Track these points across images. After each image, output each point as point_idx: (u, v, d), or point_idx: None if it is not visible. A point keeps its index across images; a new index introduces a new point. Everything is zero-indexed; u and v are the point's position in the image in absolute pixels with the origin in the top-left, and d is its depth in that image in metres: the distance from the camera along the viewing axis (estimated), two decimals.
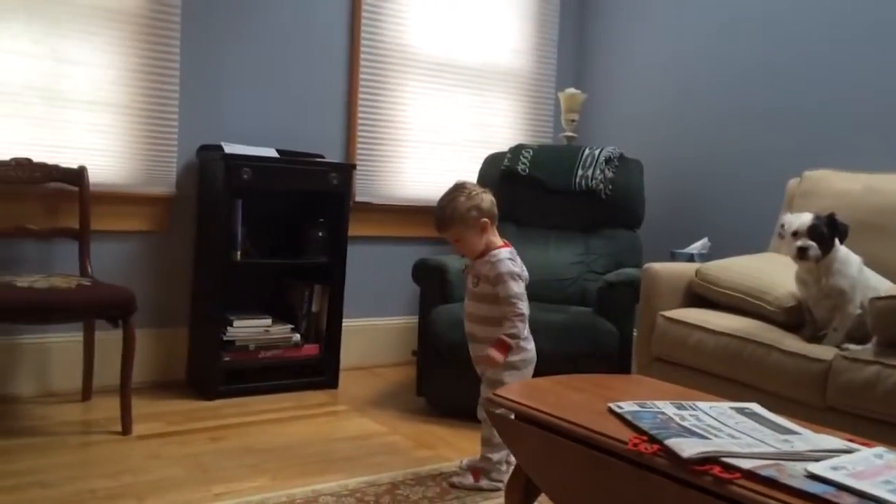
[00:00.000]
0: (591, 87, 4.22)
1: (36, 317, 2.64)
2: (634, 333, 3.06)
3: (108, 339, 2.88)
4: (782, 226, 2.47)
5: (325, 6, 3.65)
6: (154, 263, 3.34)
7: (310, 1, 3.60)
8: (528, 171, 3.63)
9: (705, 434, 1.42)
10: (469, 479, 2.40)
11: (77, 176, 3.00)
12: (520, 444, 1.75)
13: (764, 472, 1.24)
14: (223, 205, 3.16)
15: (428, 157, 4.00)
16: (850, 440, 1.46)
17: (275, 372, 3.36)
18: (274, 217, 3.49)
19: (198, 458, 2.55)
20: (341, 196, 3.44)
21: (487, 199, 2.41)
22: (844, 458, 1.33)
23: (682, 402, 1.63)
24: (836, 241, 2.36)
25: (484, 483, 2.39)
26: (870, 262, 2.46)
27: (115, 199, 3.19)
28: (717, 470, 1.27)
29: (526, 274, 2.41)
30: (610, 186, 3.54)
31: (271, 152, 3.34)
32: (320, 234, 3.44)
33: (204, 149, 3.33)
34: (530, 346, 2.41)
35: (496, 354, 2.31)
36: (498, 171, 3.64)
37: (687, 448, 1.32)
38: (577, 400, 1.72)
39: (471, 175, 3.60)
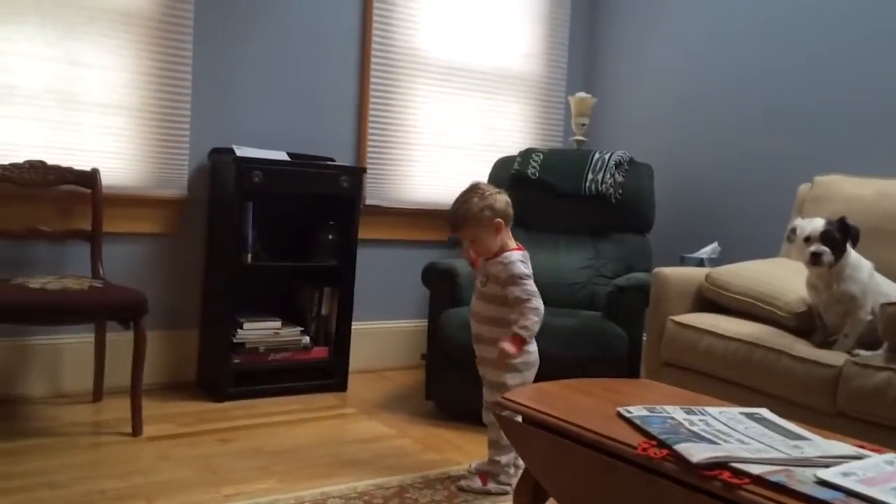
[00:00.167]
0: (601, 91, 4.22)
1: (48, 318, 2.66)
2: (644, 338, 3.06)
3: (120, 341, 2.89)
4: (793, 230, 2.46)
5: (337, 10, 3.67)
6: (165, 266, 3.36)
7: (321, 5, 3.62)
8: (538, 175, 3.63)
9: (714, 439, 1.42)
10: (477, 483, 2.40)
11: (90, 178, 3.02)
12: (528, 447, 1.75)
13: (773, 478, 1.24)
14: (234, 207, 3.18)
15: (438, 160, 4.00)
16: (861, 446, 1.45)
17: (284, 374, 3.37)
18: (284, 220, 3.50)
19: (207, 459, 2.56)
20: (351, 199, 3.45)
21: (502, 199, 2.41)
22: (855, 464, 1.32)
23: (692, 407, 1.63)
24: (848, 246, 2.35)
25: (492, 487, 2.39)
26: (881, 268, 2.45)
27: (128, 201, 3.21)
28: (726, 475, 1.26)
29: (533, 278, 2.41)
30: (620, 190, 3.54)
31: (282, 155, 3.35)
32: (330, 237, 3.45)
33: (215, 152, 3.35)
34: (533, 348, 2.40)
35: (510, 347, 2.28)
36: (508, 175, 3.64)
37: (696, 453, 1.32)
38: (586, 404, 1.72)
39: (481, 179, 3.60)
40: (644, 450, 1.39)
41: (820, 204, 2.91)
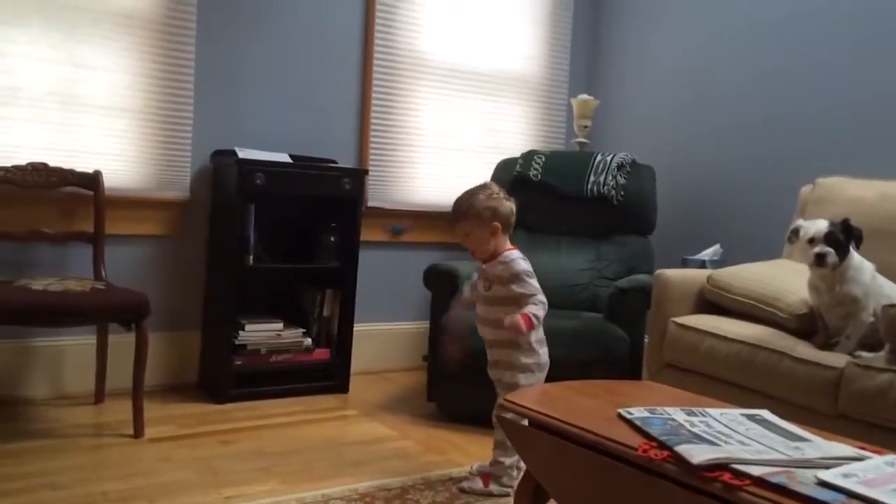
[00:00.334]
0: (603, 93, 4.22)
1: (50, 320, 2.67)
2: (645, 340, 3.06)
3: (121, 343, 2.90)
4: (794, 232, 2.45)
5: (339, 12, 3.67)
6: (167, 267, 3.36)
7: (323, 7, 3.63)
8: (539, 177, 3.63)
9: (715, 441, 1.42)
10: (479, 484, 2.40)
11: (92, 180, 3.03)
12: (529, 449, 1.75)
13: (774, 480, 1.24)
14: (236, 209, 3.18)
15: (440, 162, 4.00)
16: (862, 448, 1.45)
17: (286, 376, 3.37)
18: (286, 222, 3.50)
19: (209, 461, 2.56)
20: (353, 201, 3.46)
21: (507, 205, 2.42)
22: (855, 465, 1.32)
23: (693, 409, 1.63)
24: (851, 247, 2.35)
25: (494, 488, 2.39)
26: (883, 270, 2.45)
27: (130, 203, 3.21)
28: (726, 476, 1.26)
29: None
30: (622, 192, 3.54)
31: (284, 157, 3.35)
32: (332, 238, 3.45)
33: (218, 153, 3.36)
34: (544, 349, 2.41)
35: (521, 322, 2.27)
36: (510, 177, 3.64)
37: (697, 454, 1.31)
38: (587, 406, 1.72)
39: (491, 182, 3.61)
40: (645, 451, 1.39)
41: (822, 206, 2.91)
